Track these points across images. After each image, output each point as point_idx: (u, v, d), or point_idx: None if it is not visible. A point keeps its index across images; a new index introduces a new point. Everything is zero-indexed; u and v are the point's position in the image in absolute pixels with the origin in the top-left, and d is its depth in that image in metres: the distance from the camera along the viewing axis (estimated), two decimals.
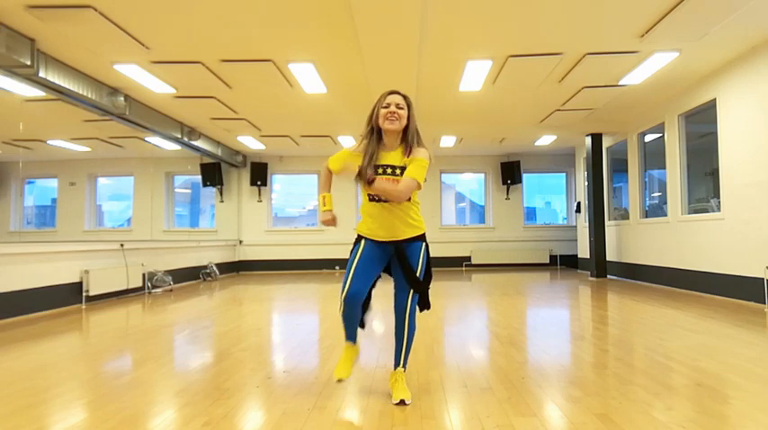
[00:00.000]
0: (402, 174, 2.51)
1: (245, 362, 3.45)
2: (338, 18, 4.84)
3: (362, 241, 2.64)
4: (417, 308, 2.67)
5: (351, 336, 2.69)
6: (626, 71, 6.36)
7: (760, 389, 2.72)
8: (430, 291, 2.71)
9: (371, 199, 2.59)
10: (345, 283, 2.55)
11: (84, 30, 4.99)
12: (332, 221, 2.71)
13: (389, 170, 2.53)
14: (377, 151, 2.56)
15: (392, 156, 2.56)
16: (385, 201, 2.56)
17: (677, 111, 7.49)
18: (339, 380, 2.66)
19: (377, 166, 2.53)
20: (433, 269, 2.73)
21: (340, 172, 2.67)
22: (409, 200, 2.59)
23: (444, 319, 5.22)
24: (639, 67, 6.20)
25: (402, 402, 2.51)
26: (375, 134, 2.59)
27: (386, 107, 2.55)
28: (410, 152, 2.55)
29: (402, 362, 2.65)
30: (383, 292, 2.93)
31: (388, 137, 2.58)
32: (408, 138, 2.58)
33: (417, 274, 2.59)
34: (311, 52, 5.74)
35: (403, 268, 2.59)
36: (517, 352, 3.67)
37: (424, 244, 2.66)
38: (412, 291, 2.59)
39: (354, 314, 2.61)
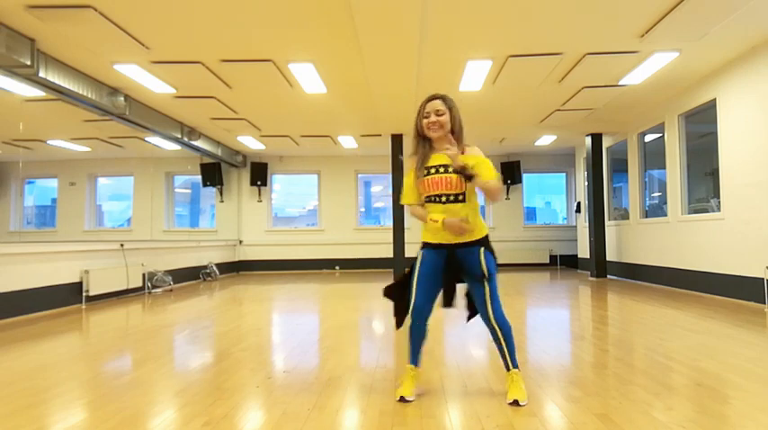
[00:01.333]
0: (455, 171, 2.52)
1: (245, 362, 3.45)
2: (338, 18, 4.84)
3: (422, 252, 2.64)
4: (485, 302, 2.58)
5: (414, 359, 2.66)
6: (626, 71, 6.36)
7: (760, 389, 2.72)
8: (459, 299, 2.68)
9: (429, 200, 2.59)
10: (411, 299, 2.59)
11: (84, 30, 4.98)
12: (454, 222, 2.52)
13: (441, 169, 2.55)
14: (428, 155, 2.61)
15: (441, 157, 2.57)
16: (439, 202, 2.55)
17: (677, 111, 7.49)
18: (401, 399, 2.57)
19: (427, 168, 2.58)
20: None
21: (416, 194, 2.67)
22: (465, 201, 2.56)
23: (444, 319, 5.22)
24: (639, 67, 6.20)
25: (515, 402, 2.47)
26: (423, 140, 2.64)
27: (426, 117, 2.58)
28: (462, 150, 2.57)
29: (511, 364, 2.57)
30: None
31: (437, 141, 2.61)
32: (456, 137, 2.61)
33: (485, 285, 2.53)
34: (311, 52, 5.74)
35: (473, 277, 2.56)
36: (517, 352, 3.66)
37: (482, 248, 2.57)
38: (487, 290, 2.53)
39: (421, 331, 2.62)
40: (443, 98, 2.61)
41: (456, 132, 2.61)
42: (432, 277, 2.59)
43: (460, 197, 2.55)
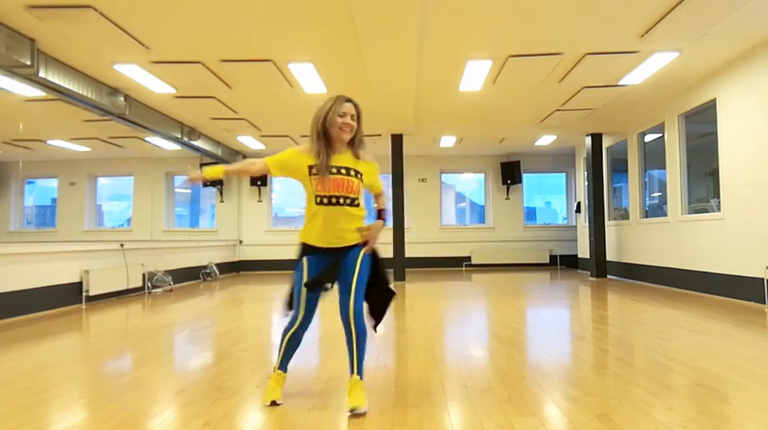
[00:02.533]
0: (356, 175, 2.55)
1: (245, 362, 3.45)
2: (338, 18, 4.84)
3: (305, 259, 2.58)
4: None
5: (285, 366, 2.67)
6: (626, 71, 6.36)
7: (760, 389, 2.72)
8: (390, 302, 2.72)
9: (320, 201, 2.51)
10: (298, 310, 2.56)
11: (84, 30, 4.98)
12: (197, 179, 2.60)
13: (344, 171, 2.53)
14: (331, 154, 2.55)
15: (343, 158, 2.57)
16: (336, 204, 2.50)
17: (677, 111, 7.49)
18: (273, 403, 2.54)
19: (331, 167, 2.52)
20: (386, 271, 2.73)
21: (282, 173, 2.62)
22: (359, 206, 2.58)
23: (444, 319, 5.22)
24: (639, 67, 6.20)
25: (354, 411, 2.39)
26: (324, 136, 2.54)
27: (342, 116, 2.52)
28: (359, 157, 2.59)
29: (357, 370, 2.53)
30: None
31: (339, 141, 2.57)
32: (355, 145, 2.60)
33: (356, 277, 2.52)
34: (311, 52, 5.74)
35: (345, 272, 2.55)
36: (517, 352, 3.67)
37: (363, 249, 2.61)
38: (353, 285, 2.51)
39: (299, 342, 2.66)
40: (356, 105, 2.61)
41: (356, 139, 2.60)
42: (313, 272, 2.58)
43: (356, 202, 2.57)
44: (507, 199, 12.63)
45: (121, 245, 7.42)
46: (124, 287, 7.24)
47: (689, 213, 7.41)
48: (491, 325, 4.85)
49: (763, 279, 5.63)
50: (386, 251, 10.22)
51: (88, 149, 10.85)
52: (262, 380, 3.01)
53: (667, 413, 2.36)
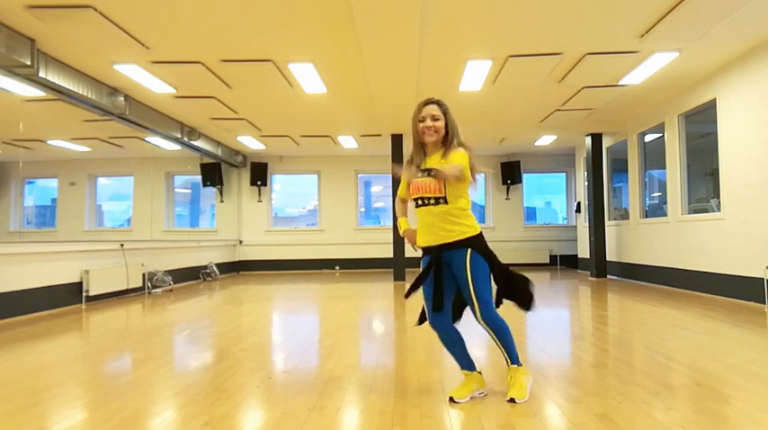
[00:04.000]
0: (433, 173, 2.55)
1: (245, 362, 3.45)
2: (338, 18, 4.84)
3: (423, 259, 2.67)
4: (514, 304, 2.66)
5: (463, 365, 2.67)
6: (626, 71, 6.36)
7: (760, 389, 2.72)
8: (525, 288, 2.65)
9: (416, 205, 2.63)
10: (426, 311, 2.66)
11: (84, 30, 4.98)
12: (411, 236, 2.73)
13: (426, 173, 2.57)
14: (423, 159, 2.65)
15: (432, 160, 2.62)
16: (422, 205, 2.58)
17: (677, 111, 7.49)
18: (450, 399, 2.57)
19: (421, 171, 2.61)
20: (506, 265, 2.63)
21: (406, 193, 2.73)
22: (446, 203, 2.54)
23: None
24: (639, 67, 6.20)
25: (512, 400, 2.51)
26: (420, 145, 2.66)
27: (422, 121, 2.60)
28: (447, 154, 2.60)
29: (508, 361, 2.61)
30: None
31: (429, 145, 2.65)
32: (447, 142, 2.62)
33: (472, 286, 2.52)
34: (311, 52, 5.74)
35: (460, 280, 2.57)
36: (517, 352, 3.66)
37: (469, 250, 2.54)
38: (472, 291, 2.52)
39: (450, 338, 2.66)
40: (439, 103, 2.63)
41: (449, 137, 2.62)
42: (429, 283, 2.61)
43: (441, 200, 2.55)
44: (507, 199, 12.63)
45: (121, 245, 7.43)
46: (124, 287, 7.24)
47: (689, 213, 7.41)
48: None
49: (763, 279, 5.63)
50: (386, 251, 10.09)
51: (88, 149, 10.85)
52: (262, 380, 3.01)
53: (667, 413, 2.36)
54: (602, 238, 9.90)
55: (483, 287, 2.54)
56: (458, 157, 2.54)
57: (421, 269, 2.65)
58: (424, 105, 2.63)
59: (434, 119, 2.59)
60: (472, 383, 2.63)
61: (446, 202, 2.55)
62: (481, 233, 2.62)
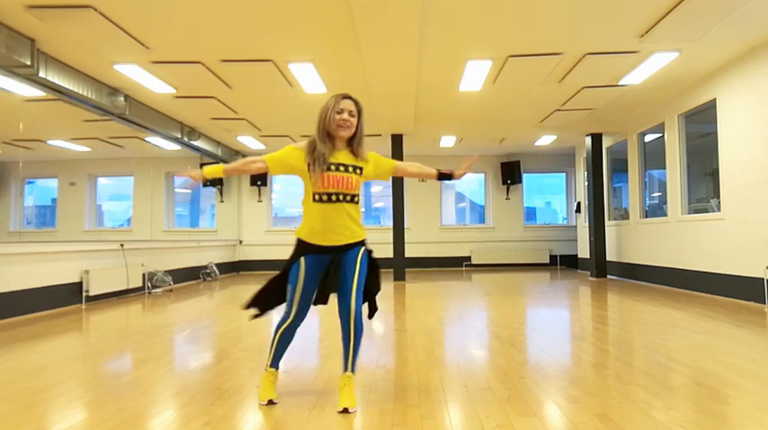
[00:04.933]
0: (355, 171, 2.57)
1: (245, 362, 3.45)
2: (338, 18, 4.84)
3: (303, 258, 2.57)
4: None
5: (277, 363, 2.65)
6: (626, 71, 6.36)
7: (760, 389, 2.72)
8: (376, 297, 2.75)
9: (319, 199, 2.53)
10: (291, 307, 2.57)
11: (84, 30, 4.98)
12: (197, 178, 2.52)
13: (342, 168, 2.55)
14: (331, 152, 2.57)
15: (342, 156, 2.59)
16: (336, 201, 2.52)
17: (677, 111, 7.49)
18: (270, 402, 2.54)
19: (330, 164, 2.54)
20: (381, 273, 2.76)
21: (280, 170, 2.65)
22: (357, 202, 2.59)
23: (444, 319, 5.22)
24: (639, 67, 6.20)
25: (345, 410, 2.41)
26: (327, 135, 2.59)
27: (339, 113, 2.56)
28: (359, 154, 2.60)
29: (350, 367, 2.54)
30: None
31: (338, 139, 2.60)
32: (354, 143, 2.61)
33: (356, 278, 2.52)
34: (311, 52, 5.74)
35: (344, 272, 2.54)
36: (517, 352, 3.67)
37: (363, 248, 2.62)
38: (354, 284, 2.51)
39: (293, 336, 2.65)
40: (357, 102, 2.63)
41: (357, 137, 2.61)
42: (312, 284, 2.58)
43: (356, 199, 2.57)
44: (507, 199, 12.63)
45: (121, 245, 7.42)
46: (124, 287, 7.24)
47: (689, 213, 7.41)
48: (491, 325, 4.85)
49: (763, 279, 5.63)
50: (386, 251, 10.13)
51: (88, 149, 10.85)
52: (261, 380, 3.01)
53: (667, 413, 2.36)
54: (602, 238, 9.90)
55: (362, 283, 2.59)
56: (383, 158, 2.72)
57: (302, 271, 2.55)
58: (342, 98, 2.60)
59: (351, 114, 2.58)
60: (274, 379, 2.63)
61: (357, 202, 2.58)
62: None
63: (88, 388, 2.91)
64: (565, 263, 12.50)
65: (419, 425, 2.26)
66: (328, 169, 2.52)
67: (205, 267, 10.30)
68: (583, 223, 11.26)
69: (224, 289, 8.74)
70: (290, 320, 2.58)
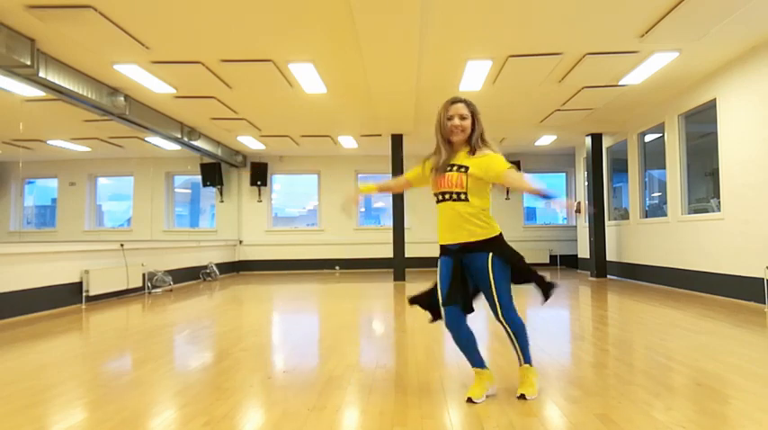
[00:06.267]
0: (459, 169, 2.57)
1: (245, 362, 3.45)
2: (338, 18, 4.84)
3: (439, 260, 2.66)
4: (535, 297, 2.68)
5: (473, 363, 2.67)
6: (626, 71, 6.36)
7: (760, 389, 2.72)
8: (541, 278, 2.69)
9: (436, 200, 2.65)
10: (441, 309, 2.63)
11: (84, 30, 4.98)
12: (353, 200, 2.91)
13: (455, 168, 2.59)
14: (450, 156, 2.64)
15: (459, 157, 2.63)
16: (443, 200, 2.60)
17: (677, 111, 7.49)
18: (469, 400, 2.55)
19: (447, 166, 2.62)
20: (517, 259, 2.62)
21: (417, 182, 2.80)
22: (467, 200, 2.57)
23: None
24: (639, 67, 6.20)
25: (522, 396, 2.56)
26: (445, 141, 2.65)
27: (450, 119, 2.60)
28: (474, 152, 2.60)
29: (522, 359, 2.65)
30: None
31: (456, 143, 2.65)
32: (473, 141, 2.63)
33: (494, 289, 2.54)
34: (311, 52, 5.74)
35: (482, 283, 2.58)
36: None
37: (490, 254, 2.55)
38: (494, 293, 2.55)
39: (463, 338, 2.64)
40: (467, 102, 2.64)
41: (474, 138, 2.62)
42: (447, 282, 2.59)
43: (462, 196, 2.56)
44: (507, 199, 12.63)
45: (121, 245, 7.42)
46: (124, 287, 7.24)
47: (689, 213, 7.41)
48: (491, 325, 4.85)
49: (763, 279, 5.63)
50: (386, 251, 10.11)
51: (88, 149, 10.85)
52: (262, 380, 3.01)
53: (667, 413, 2.36)
54: (602, 238, 9.90)
55: (503, 289, 2.57)
56: (498, 161, 2.56)
57: (438, 270, 2.64)
58: (451, 104, 2.63)
59: (462, 118, 2.60)
60: (485, 381, 2.64)
61: (467, 199, 2.56)
62: (501, 234, 2.64)
63: (88, 388, 2.91)
64: (565, 263, 12.50)
65: (419, 425, 2.26)
66: (442, 171, 2.62)
67: (205, 267, 10.30)
68: (583, 223, 11.26)
69: (224, 289, 8.74)
70: (444, 320, 2.65)
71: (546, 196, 2.47)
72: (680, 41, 5.48)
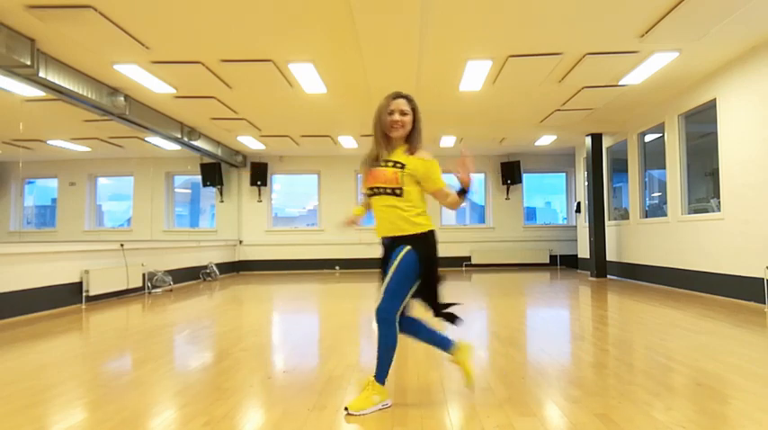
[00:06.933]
0: (395, 165, 2.53)
1: (245, 362, 3.45)
2: (338, 18, 4.84)
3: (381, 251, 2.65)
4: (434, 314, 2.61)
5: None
6: (626, 71, 6.36)
7: (760, 389, 2.72)
8: (447, 302, 2.61)
9: (368, 194, 2.62)
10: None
11: (84, 30, 4.98)
12: (350, 221, 2.82)
13: (389, 164, 2.55)
14: (387, 151, 2.60)
15: (396, 154, 2.59)
16: (377, 194, 2.56)
17: (677, 111, 7.49)
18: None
19: (382, 161, 2.58)
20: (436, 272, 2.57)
21: (366, 184, 2.68)
22: (401, 196, 2.51)
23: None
24: (639, 67, 6.20)
25: (345, 409, 2.41)
26: (382, 135, 2.61)
27: (390, 114, 2.57)
28: (412, 152, 2.57)
29: (376, 372, 2.51)
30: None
31: (394, 139, 2.61)
32: (412, 139, 2.61)
33: (388, 278, 2.48)
34: (311, 52, 5.74)
35: (385, 271, 2.53)
36: (517, 352, 3.67)
37: (408, 247, 2.48)
38: (385, 282, 2.49)
39: (411, 330, 2.62)
40: (408, 98, 2.62)
41: (414, 134, 2.60)
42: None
43: (397, 191, 2.52)
44: (507, 199, 12.63)
45: (121, 245, 7.42)
46: (124, 287, 7.24)
47: (689, 213, 7.41)
48: (491, 325, 4.85)
49: (763, 279, 5.63)
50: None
51: (88, 149, 10.85)
52: (262, 380, 3.01)
53: (667, 413, 2.36)
54: (602, 238, 9.90)
55: (399, 286, 2.46)
56: (436, 175, 2.54)
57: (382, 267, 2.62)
58: (393, 99, 2.60)
59: (403, 113, 2.57)
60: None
61: (401, 195, 2.52)
62: (431, 233, 2.56)
63: (88, 388, 2.91)
64: (565, 263, 12.49)
65: (419, 425, 2.26)
66: (376, 166, 2.58)
67: (205, 267, 10.30)
68: (583, 223, 11.26)
69: (224, 289, 8.74)
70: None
71: (461, 190, 2.52)
72: (680, 41, 5.48)
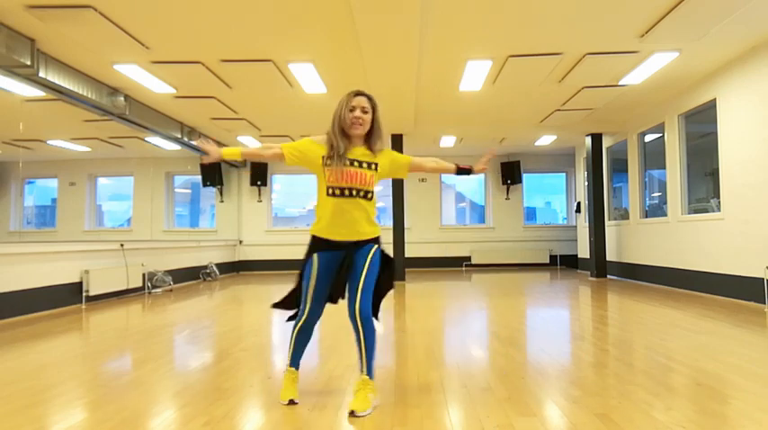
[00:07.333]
0: (370, 167, 2.55)
1: (245, 362, 3.45)
2: (338, 18, 4.84)
3: (316, 255, 2.56)
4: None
5: (296, 362, 2.69)
6: (626, 71, 6.36)
7: (760, 389, 2.72)
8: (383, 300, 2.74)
9: (332, 193, 2.49)
10: (305, 305, 2.57)
11: (84, 30, 4.98)
12: (213, 153, 2.50)
13: (356, 163, 2.53)
14: (348, 147, 2.57)
15: (358, 152, 2.58)
16: (349, 196, 2.49)
17: (677, 111, 7.49)
18: (291, 402, 2.54)
19: (346, 159, 2.53)
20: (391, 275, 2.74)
21: (296, 161, 2.58)
22: (371, 199, 2.56)
23: (444, 320, 5.22)
24: (639, 67, 6.20)
25: (352, 413, 2.37)
26: (341, 132, 2.56)
27: (351, 110, 2.55)
28: (375, 150, 2.61)
29: (365, 369, 2.51)
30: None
31: (354, 136, 2.59)
32: (372, 138, 2.61)
33: (363, 277, 2.50)
34: (311, 52, 5.74)
35: (354, 271, 2.54)
36: (517, 352, 3.67)
37: (376, 246, 2.61)
38: (361, 282, 2.49)
39: (310, 335, 2.68)
40: (369, 97, 2.62)
41: (373, 134, 2.61)
42: (326, 281, 2.57)
43: (369, 195, 2.54)
44: (507, 199, 12.62)
45: (121, 245, 7.42)
46: (124, 287, 7.24)
47: (689, 213, 7.41)
48: (491, 325, 4.85)
49: (763, 279, 5.63)
50: (388, 251, 10.01)
51: (88, 149, 10.85)
52: (262, 380, 3.01)
53: (667, 413, 2.36)
54: (602, 238, 9.89)
55: (371, 284, 2.55)
56: (399, 154, 2.74)
57: (315, 267, 2.54)
58: (354, 96, 2.58)
59: (364, 111, 2.56)
60: (294, 379, 2.64)
61: (370, 199, 2.55)
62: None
63: (88, 388, 2.91)
64: (565, 263, 12.49)
65: (419, 425, 2.26)
66: (344, 164, 2.50)
67: (205, 267, 10.30)
68: (583, 223, 11.26)
69: (224, 289, 8.74)
70: (304, 318, 2.60)
71: (466, 170, 2.74)
72: (680, 41, 5.48)
